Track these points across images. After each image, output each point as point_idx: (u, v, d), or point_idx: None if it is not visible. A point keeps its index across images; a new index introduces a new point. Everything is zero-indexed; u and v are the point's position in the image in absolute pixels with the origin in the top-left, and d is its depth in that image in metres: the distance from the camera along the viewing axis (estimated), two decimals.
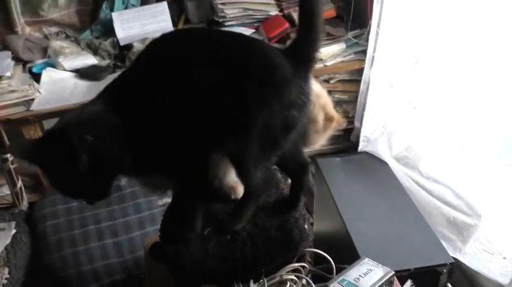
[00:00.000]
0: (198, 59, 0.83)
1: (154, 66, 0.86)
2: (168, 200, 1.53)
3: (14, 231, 1.51)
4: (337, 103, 1.96)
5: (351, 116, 1.98)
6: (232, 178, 0.93)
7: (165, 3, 2.05)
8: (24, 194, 1.72)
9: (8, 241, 1.47)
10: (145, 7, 2.05)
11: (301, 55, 0.87)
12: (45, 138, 0.87)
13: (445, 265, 1.24)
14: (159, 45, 0.89)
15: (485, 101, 1.48)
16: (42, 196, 1.73)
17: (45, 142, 0.85)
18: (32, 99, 1.70)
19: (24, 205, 1.72)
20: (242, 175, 0.89)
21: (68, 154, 0.79)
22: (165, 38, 0.90)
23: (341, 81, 1.97)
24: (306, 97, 0.87)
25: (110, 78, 1.83)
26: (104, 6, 2.01)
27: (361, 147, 1.82)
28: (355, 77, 1.96)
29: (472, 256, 1.41)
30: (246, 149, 0.84)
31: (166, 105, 0.83)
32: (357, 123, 1.95)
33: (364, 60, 1.87)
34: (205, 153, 0.87)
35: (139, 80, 0.86)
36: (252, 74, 0.82)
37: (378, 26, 1.76)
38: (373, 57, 1.79)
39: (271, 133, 0.84)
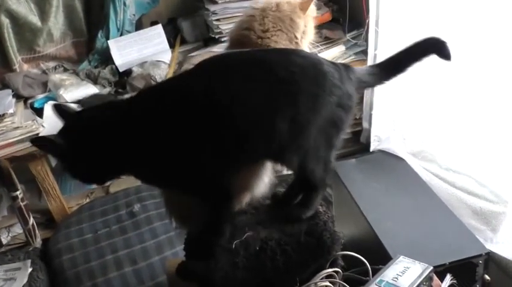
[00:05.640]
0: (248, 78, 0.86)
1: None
2: None
3: (30, 269, 1.47)
4: None
5: (358, 117, 1.96)
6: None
7: (159, 26, 2.05)
8: (36, 231, 1.68)
9: (25, 280, 1.42)
10: (141, 31, 2.04)
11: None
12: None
13: (480, 255, 1.20)
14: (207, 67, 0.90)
15: (499, 82, 1.43)
16: (55, 231, 1.69)
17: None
18: (37, 134, 1.68)
19: (38, 241, 1.68)
20: (306, 174, 0.93)
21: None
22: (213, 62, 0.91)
23: None
24: (352, 102, 0.93)
25: None
26: (99, 35, 2.01)
27: (373, 147, 1.79)
28: None
29: (505, 244, 1.36)
30: (308, 156, 0.89)
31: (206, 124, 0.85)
32: (365, 124, 1.92)
33: (365, 60, 1.86)
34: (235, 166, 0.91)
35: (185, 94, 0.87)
36: (303, 88, 0.86)
37: (377, 25, 1.75)
38: (374, 56, 1.78)
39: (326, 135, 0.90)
